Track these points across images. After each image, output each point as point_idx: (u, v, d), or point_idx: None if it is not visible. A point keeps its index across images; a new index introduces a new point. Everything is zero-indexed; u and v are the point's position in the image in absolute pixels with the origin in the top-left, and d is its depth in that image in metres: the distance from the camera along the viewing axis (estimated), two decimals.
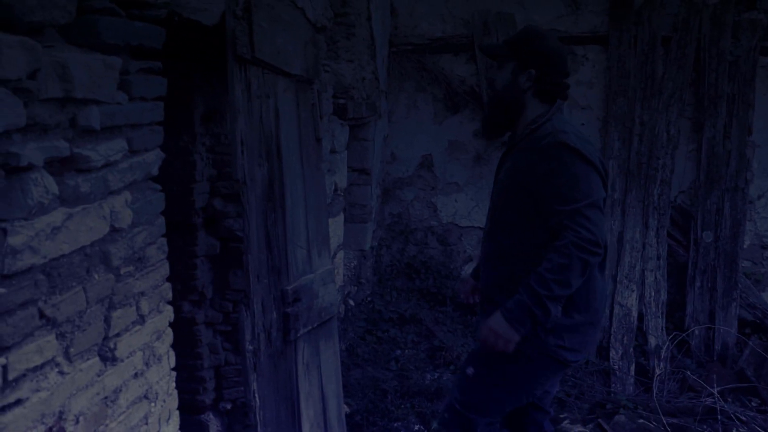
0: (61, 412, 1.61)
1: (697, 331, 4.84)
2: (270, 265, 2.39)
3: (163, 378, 2.11)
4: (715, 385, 4.03)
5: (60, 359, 1.61)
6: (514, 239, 2.34)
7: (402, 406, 3.89)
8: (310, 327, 2.63)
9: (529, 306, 2.18)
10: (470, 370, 2.44)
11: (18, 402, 1.46)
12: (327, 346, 2.86)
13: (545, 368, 2.36)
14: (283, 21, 2.58)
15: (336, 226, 4.09)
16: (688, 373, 4.39)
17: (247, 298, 2.29)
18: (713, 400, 3.93)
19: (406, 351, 4.53)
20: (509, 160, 2.41)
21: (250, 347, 2.29)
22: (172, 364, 2.18)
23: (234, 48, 2.22)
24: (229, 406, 3.45)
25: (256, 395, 2.33)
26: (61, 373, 1.62)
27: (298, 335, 2.55)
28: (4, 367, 1.40)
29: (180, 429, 2.28)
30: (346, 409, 3.49)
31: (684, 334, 4.74)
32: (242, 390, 3.42)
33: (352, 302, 4.76)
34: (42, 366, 1.54)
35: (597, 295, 2.35)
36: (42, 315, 1.53)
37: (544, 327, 2.26)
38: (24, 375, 1.48)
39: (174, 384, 2.20)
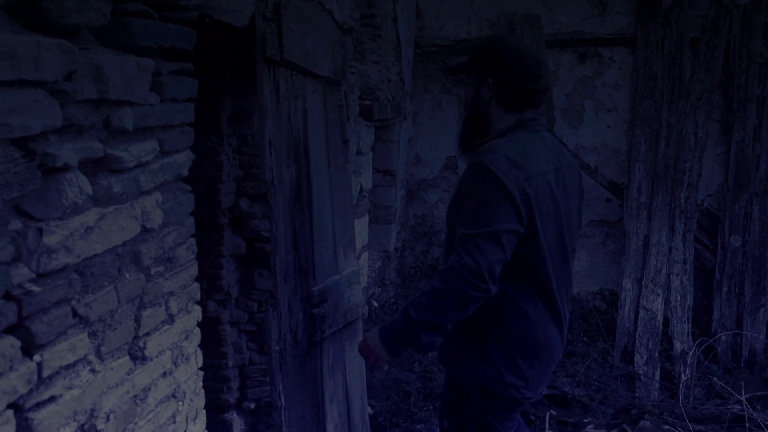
0: (92, 410, 1.63)
1: (724, 337, 4.78)
2: (297, 266, 2.40)
3: (190, 377, 2.13)
4: (743, 392, 3.97)
5: (92, 357, 1.63)
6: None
7: (425, 408, 3.89)
8: (335, 328, 2.64)
9: (401, 328, 2.08)
10: (446, 423, 2.37)
11: (52, 399, 1.48)
12: (352, 347, 2.86)
13: (498, 406, 2.25)
14: (311, 23, 2.59)
15: (361, 228, 4.10)
16: (715, 379, 4.33)
17: (274, 299, 2.30)
18: (741, 408, 3.87)
19: (430, 353, 4.52)
20: None
21: (277, 348, 2.30)
22: (200, 363, 2.20)
23: (263, 50, 2.23)
24: (252, 406, 3.47)
25: (282, 395, 2.34)
26: (93, 371, 1.64)
27: (324, 336, 2.56)
28: (39, 364, 1.42)
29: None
30: (369, 410, 3.50)
31: (711, 340, 4.68)
32: (266, 389, 3.44)
33: (375, 303, 4.77)
34: (75, 364, 1.56)
35: (536, 327, 2.19)
36: (75, 314, 1.55)
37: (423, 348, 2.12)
38: (57, 372, 1.50)
39: (201, 383, 2.22)
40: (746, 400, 3.92)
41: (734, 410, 3.89)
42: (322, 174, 2.66)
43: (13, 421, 1.37)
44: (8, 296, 1.34)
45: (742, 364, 4.69)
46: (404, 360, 4.41)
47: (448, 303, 2.00)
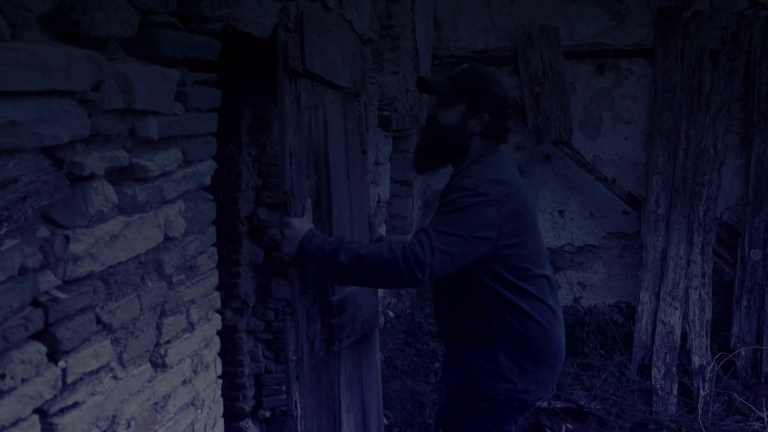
0: (114, 416, 1.64)
1: (743, 352, 4.73)
2: (315, 276, 2.40)
3: (209, 385, 2.14)
4: (764, 408, 3.92)
5: (114, 364, 1.64)
6: (446, 286, 2.30)
7: None
8: (353, 338, 2.63)
9: (324, 256, 2.08)
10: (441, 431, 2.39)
11: (75, 405, 1.49)
12: (368, 358, 2.86)
13: (506, 414, 2.28)
14: (332, 33, 2.60)
15: None
16: (735, 395, 4.28)
17: (292, 308, 2.30)
18: (762, 425, 3.83)
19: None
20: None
21: (294, 357, 2.30)
22: (219, 372, 2.20)
23: (285, 61, 2.24)
24: (267, 414, 3.47)
25: (299, 405, 2.34)
26: (115, 378, 1.65)
27: (342, 346, 2.56)
28: (64, 370, 1.44)
29: None
30: (384, 421, 3.49)
31: (730, 355, 4.63)
32: (281, 398, 3.44)
33: (391, 314, 4.76)
34: (98, 370, 1.57)
35: (546, 333, 2.25)
36: (99, 321, 1.56)
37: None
38: (81, 379, 1.51)
39: (220, 392, 2.23)
40: None
41: (755, 427, 3.84)
42: (342, 184, 2.66)
43: (38, 426, 1.38)
44: (35, 303, 1.36)
45: (763, 380, 4.63)
46: (419, 371, 4.40)
47: (378, 272, 2.04)
